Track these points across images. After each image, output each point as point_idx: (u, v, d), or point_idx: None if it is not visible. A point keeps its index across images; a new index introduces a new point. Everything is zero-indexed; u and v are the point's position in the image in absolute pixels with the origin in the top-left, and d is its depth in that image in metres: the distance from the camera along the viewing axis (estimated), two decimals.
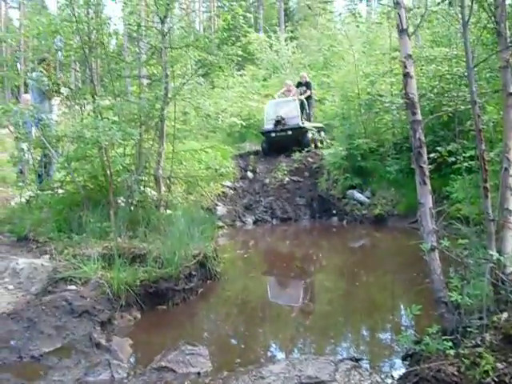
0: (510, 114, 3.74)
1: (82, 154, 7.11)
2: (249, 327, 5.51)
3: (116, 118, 7.06)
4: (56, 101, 8.53)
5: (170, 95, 7.72)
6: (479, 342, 3.12)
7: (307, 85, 16.25)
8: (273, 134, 14.84)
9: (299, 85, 16.29)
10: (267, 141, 15.25)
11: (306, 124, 14.93)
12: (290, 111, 15.00)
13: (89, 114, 7.47)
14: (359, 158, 12.15)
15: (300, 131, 14.60)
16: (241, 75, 19.38)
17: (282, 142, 14.68)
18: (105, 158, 6.88)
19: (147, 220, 6.84)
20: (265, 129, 15.33)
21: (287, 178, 13.21)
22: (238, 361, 4.37)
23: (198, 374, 4.04)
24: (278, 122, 14.72)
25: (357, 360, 4.08)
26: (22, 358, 4.20)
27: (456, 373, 2.94)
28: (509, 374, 2.80)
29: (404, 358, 3.97)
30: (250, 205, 12.67)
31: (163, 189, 7.84)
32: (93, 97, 7.19)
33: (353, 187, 12.12)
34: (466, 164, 6.51)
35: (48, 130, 7.43)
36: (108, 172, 6.89)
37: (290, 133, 14.57)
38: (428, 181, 3.74)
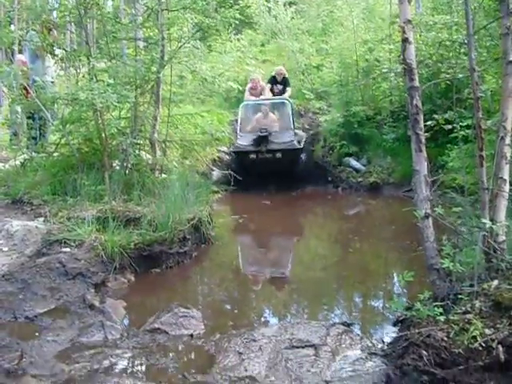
0: (508, 82, 3.70)
1: (76, 117, 7.06)
2: (242, 291, 5.57)
3: (111, 81, 6.96)
4: (51, 62, 8.42)
5: (166, 58, 7.61)
6: (469, 309, 3.15)
7: (285, 82, 12.37)
8: (252, 156, 10.45)
9: (273, 81, 12.40)
10: (242, 163, 10.64)
11: (299, 137, 11.42)
12: (280, 120, 11.24)
13: (84, 76, 7.38)
14: (356, 126, 12.05)
15: (294, 153, 10.74)
16: (238, 40, 19.11)
17: (267, 166, 10.32)
18: (100, 121, 6.82)
19: (142, 184, 6.83)
20: (239, 146, 10.74)
21: None
22: (231, 324, 4.43)
23: (191, 335, 4.10)
24: (261, 139, 10.41)
25: (348, 325, 4.14)
26: (16, 318, 4.24)
27: (445, 338, 2.98)
28: (496, 340, 2.85)
29: (395, 324, 4.02)
30: None
31: (158, 153, 7.81)
32: (88, 59, 7.08)
33: (349, 154, 12.06)
34: (462, 133, 6.48)
35: (43, 92, 7.35)
36: (103, 135, 6.84)
37: (278, 155, 10.37)
38: (423, 148, 3.72)
